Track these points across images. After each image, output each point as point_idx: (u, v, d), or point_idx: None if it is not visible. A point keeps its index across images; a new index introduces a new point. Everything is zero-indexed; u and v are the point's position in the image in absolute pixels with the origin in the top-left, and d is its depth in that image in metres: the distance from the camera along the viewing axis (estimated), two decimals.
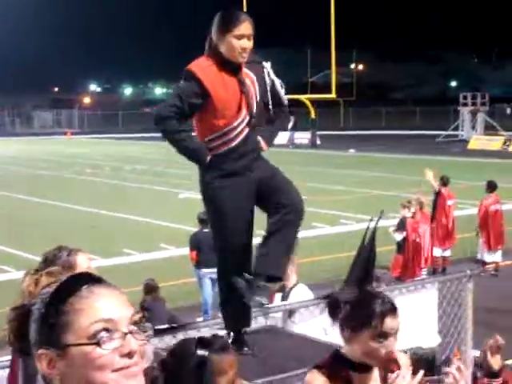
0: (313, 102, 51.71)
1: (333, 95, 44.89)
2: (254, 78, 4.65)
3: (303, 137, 50.90)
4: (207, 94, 4.47)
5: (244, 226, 4.67)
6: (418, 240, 13.57)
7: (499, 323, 11.09)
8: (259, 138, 4.71)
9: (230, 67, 4.53)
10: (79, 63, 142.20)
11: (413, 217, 13.64)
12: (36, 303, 1.66)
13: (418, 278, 11.51)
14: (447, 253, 15.18)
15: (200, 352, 2.85)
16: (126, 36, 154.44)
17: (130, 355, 1.59)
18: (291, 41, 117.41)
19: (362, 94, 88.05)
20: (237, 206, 4.59)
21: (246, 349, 4.67)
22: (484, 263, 15.02)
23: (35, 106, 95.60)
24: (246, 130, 4.59)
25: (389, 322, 3.14)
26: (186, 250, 16.36)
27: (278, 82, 4.81)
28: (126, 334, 1.59)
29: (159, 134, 4.69)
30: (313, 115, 50.73)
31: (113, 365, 1.57)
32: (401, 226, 13.71)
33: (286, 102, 4.89)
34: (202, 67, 4.54)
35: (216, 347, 2.87)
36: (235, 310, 4.75)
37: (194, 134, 4.71)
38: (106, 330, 1.58)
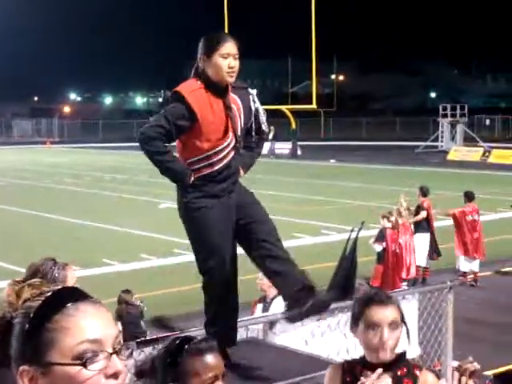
0: (293, 112, 51.85)
1: (313, 106, 45.05)
2: (240, 103, 4.66)
3: (284, 147, 50.96)
4: (195, 117, 4.44)
5: (225, 244, 4.64)
6: (397, 251, 13.61)
7: (478, 334, 11.15)
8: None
9: (217, 90, 4.52)
10: (59, 72, 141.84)
11: (393, 227, 13.68)
12: (18, 317, 1.61)
13: (399, 290, 11.53)
14: (428, 263, 15.23)
15: (175, 350, 2.87)
16: (106, 45, 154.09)
17: (115, 376, 1.55)
18: (272, 51, 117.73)
19: (342, 104, 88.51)
20: (217, 226, 4.57)
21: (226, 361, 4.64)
22: (464, 273, 15.08)
23: (14, 114, 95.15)
24: (231, 154, 4.59)
25: (373, 311, 3.27)
26: (166, 261, 16.38)
27: (261, 109, 4.84)
28: (111, 354, 1.56)
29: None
30: (293, 126, 50.89)
31: None
32: (380, 236, 13.75)
33: (266, 130, 4.95)
34: (191, 90, 4.51)
35: (192, 347, 2.88)
36: (221, 330, 4.71)
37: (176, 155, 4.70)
38: (92, 350, 1.54)
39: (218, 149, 4.53)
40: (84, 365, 1.52)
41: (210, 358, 2.86)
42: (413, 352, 6.38)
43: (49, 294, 1.61)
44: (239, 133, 4.61)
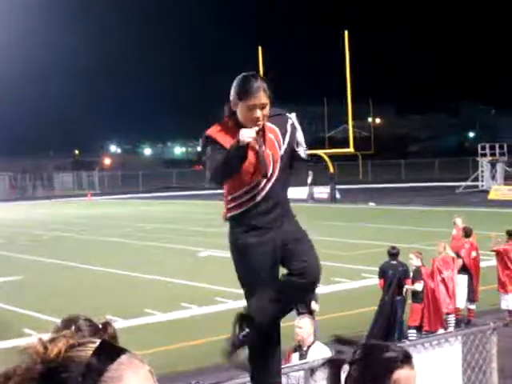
0: (331, 156, 51.90)
1: (351, 149, 45.07)
2: (278, 131, 4.61)
3: (322, 191, 50.94)
4: None
5: (270, 281, 4.57)
6: (433, 286, 13.55)
7: None
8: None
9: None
10: (99, 125, 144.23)
11: (423, 264, 13.74)
12: (61, 367, 1.51)
13: (442, 333, 11.36)
14: (472, 305, 15.03)
15: None
16: (144, 97, 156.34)
17: None
18: (308, 96, 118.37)
19: (380, 147, 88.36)
20: (263, 261, 4.52)
21: None
22: (510, 312, 14.83)
23: (56, 167, 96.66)
24: (270, 184, 4.53)
25: (402, 374, 2.77)
26: (206, 309, 16.33)
27: (299, 131, 4.73)
28: None
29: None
30: (331, 170, 50.89)
31: None
32: (417, 275, 13.65)
33: (303, 154, 4.78)
34: (218, 130, 4.53)
35: None
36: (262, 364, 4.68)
37: None
38: None
39: (257, 181, 4.50)
40: None
41: None
42: None
43: (96, 344, 1.55)
44: (278, 163, 4.56)
